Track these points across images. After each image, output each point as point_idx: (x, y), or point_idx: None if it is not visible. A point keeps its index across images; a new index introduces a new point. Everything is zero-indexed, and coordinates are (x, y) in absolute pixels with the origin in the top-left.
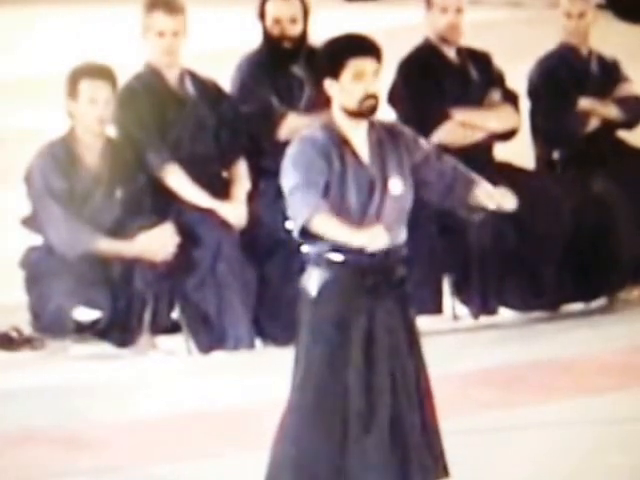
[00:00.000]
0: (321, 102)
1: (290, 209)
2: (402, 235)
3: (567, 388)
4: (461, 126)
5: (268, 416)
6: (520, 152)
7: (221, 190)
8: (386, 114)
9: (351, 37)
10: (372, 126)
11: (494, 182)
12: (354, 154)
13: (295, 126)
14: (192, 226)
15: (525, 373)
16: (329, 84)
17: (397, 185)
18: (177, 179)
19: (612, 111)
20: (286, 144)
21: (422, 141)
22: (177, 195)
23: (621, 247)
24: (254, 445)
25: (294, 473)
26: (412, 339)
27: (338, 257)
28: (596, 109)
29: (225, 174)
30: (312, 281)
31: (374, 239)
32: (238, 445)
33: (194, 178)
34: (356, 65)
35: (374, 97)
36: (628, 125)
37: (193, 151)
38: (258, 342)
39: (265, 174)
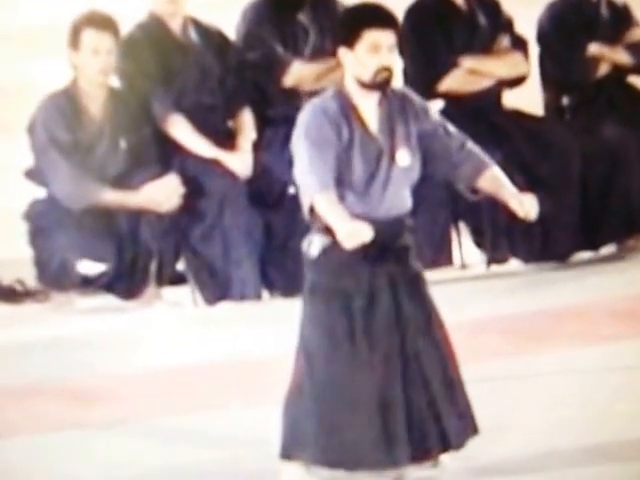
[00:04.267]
0: (326, 49)
1: (300, 185)
2: (407, 204)
3: (577, 336)
4: (469, 73)
5: (275, 367)
6: (529, 99)
7: (226, 140)
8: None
9: (369, 7)
10: (383, 95)
11: (504, 129)
12: (363, 124)
13: (300, 74)
14: (197, 177)
15: (535, 321)
16: (343, 53)
17: (405, 157)
18: (182, 129)
19: (622, 56)
20: (291, 92)
21: (433, 113)
22: (182, 145)
23: (631, 194)
24: (261, 397)
25: (318, 426)
26: (423, 307)
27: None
28: (606, 54)
29: (230, 123)
30: (313, 246)
31: (354, 235)
32: (244, 397)
33: (199, 128)
34: (372, 37)
35: (388, 70)
36: (639, 70)
37: (198, 101)
38: (265, 293)
39: (271, 123)
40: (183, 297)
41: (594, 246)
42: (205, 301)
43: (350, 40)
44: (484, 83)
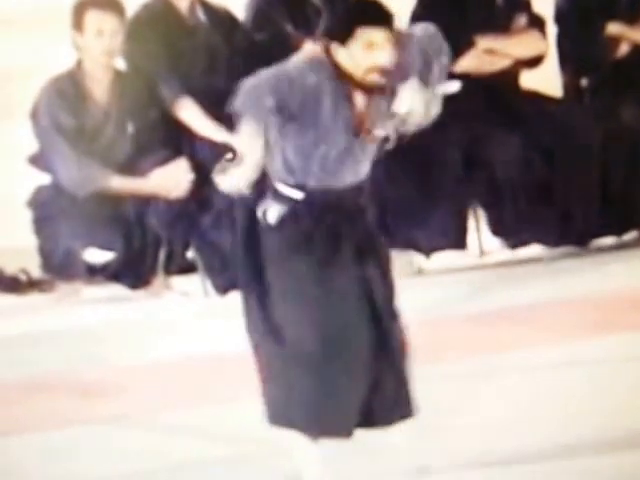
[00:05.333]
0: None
1: None
2: (366, 169)
3: (598, 325)
4: (486, 53)
5: None
6: (547, 79)
7: (236, 123)
8: None
9: (364, 4)
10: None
11: (521, 110)
12: (348, 95)
13: (312, 54)
14: (207, 161)
15: (554, 310)
16: (336, 49)
17: (379, 132)
18: (190, 112)
19: None
20: None
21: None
22: (191, 129)
23: None
24: None
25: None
26: (382, 268)
27: (296, 194)
28: (626, 34)
29: None
30: (270, 213)
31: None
32: (257, 390)
33: (208, 111)
34: (366, 35)
35: (381, 70)
36: None
37: (206, 83)
38: None
39: None
40: (193, 286)
41: (617, 232)
42: (216, 290)
43: (343, 38)
44: (501, 63)
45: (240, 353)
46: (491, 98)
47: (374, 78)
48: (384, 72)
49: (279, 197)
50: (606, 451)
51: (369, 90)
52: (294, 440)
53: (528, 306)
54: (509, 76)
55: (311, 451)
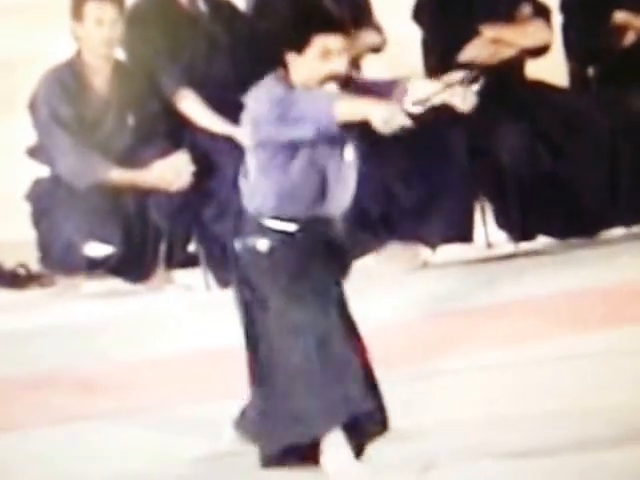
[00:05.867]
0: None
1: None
2: (347, 202)
3: (608, 317)
4: (491, 43)
5: None
6: (553, 69)
7: (238, 114)
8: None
9: (318, 11)
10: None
11: (527, 100)
12: None
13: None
14: (208, 153)
15: (563, 302)
16: (291, 58)
17: (350, 153)
18: (191, 103)
19: None
20: None
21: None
22: (192, 121)
23: None
24: None
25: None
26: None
27: (288, 226)
28: (633, 23)
29: (241, 97)
30: (259, 245)
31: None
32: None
33: (209, 102)
34: (322, 42)
35: (337, 78)
36: None
37: (207, 73)
38: None
39: None
40: (195, 280)
41: (626, 223)
42: (218, 284)
43: (299, 45)
44: (506, 52)
45: (243, 347)
46: (497, 88)
47: (332, 84)
48: (340, 80)
49: (267, 231)
50: (614, 446)
51: None
52: None
53: (536, 299)
54: (514, 65)
55: None
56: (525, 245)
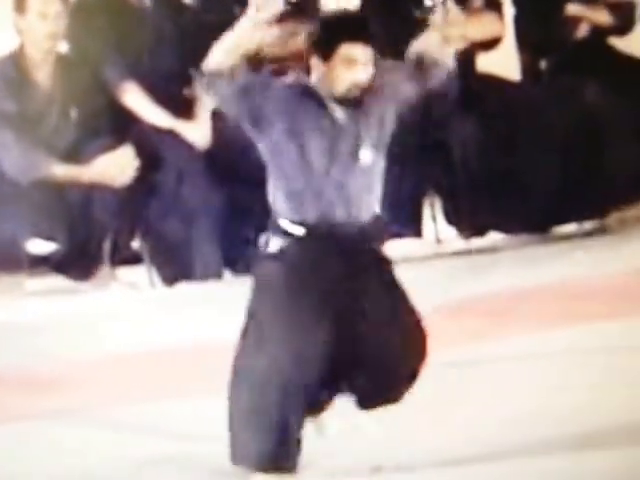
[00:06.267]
0: (288, 11)
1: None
2: (372, 208)
3: (560, 315)
4: (440, 34)
5: None
6: (505, 62)
7: (183, 109)
8: None
9: (348, 19)
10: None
11: (477, 94)
12: (328, 113)
13: (262, 37)
14: (153, 148)
15: (515, 300)
16: (316, 64)
17: (367, 155)
18: (136, 97)
19: (603, 16)
20: (252, 57)
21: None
22: (137, 115)
23: (615, 163)
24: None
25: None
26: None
27: (297, 229)
28: (585, 14)
29: (187, 91)
30: (272, 244)
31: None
32: (207, 384)
33: (154, 96)
34: (349, 51)
35: (360, 87)
36: (620, 31)
37: (152, 67)
38: (227, 272)
39: None
40: (139, 277)
41: (578, 219)
42: (163, 281)
43: (326, 54)
44: (456, 45)
45: (190, 346)
46: (447, 81)
47: (355, 93)
48: (363, 89)
49: (281, 232)
50: (570, 449)
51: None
52: None
53: (488, 297)
54: (465, 58)
55: None
56: (477, 242)
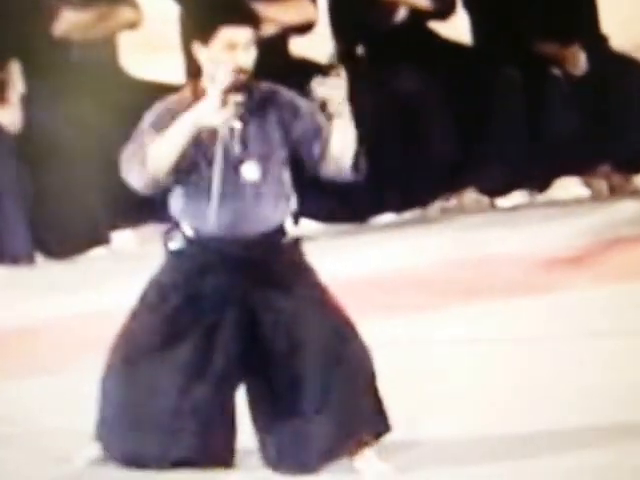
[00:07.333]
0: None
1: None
2: (277, 217)
3: (378, 307)
4: None
5: (52, 337)
6: (319, 47)
7: None
8: None
9: (226, 1)
10: (249, 95)
11: (290, 79)
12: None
13: (70, 22)
14: None
15: (334, 291)
16: (198, 50)
17: (252, 169)
18: None
19: (421, 0)
20: (61, 41)
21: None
22: None
23: (434, 150)
24: (39, 371)
25: None
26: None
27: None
28: None
29: None
30: (174, 241)
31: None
32: (22, 371)
33: None
34: (228, 34)
35: (244, 71)
36: (440, 15)
37: None
38: (39, 257)
39: (38, 74)
40: None
41: (396, 208)
42: None
43: (204, 36)
44: (267, 29)
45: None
46: (259, 65)
47: (238, 78)
48: (247, 72)
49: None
50: None
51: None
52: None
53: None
54: (277, 43)
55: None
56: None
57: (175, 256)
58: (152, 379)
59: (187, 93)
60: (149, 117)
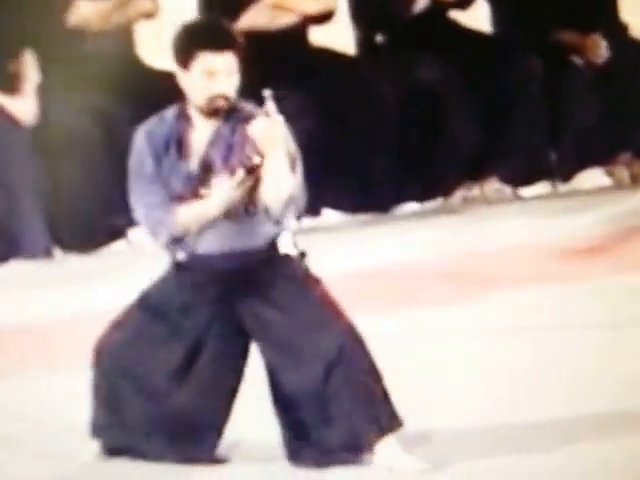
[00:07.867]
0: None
1: (149, 229)
2: (259, 234)
3: (403, 298)
4: (272, 9)
5: (74, 331)
6: (339, 36)
7: (8, 84)
8: None
9: (204, 27)
10: (227, 118)
11: (311, 69)
12: (188, 151)
13: (86, 12)
14: None
15: (356, 282)
16: (180, 74)
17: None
18: None
19: None
20: (76, 31)
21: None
22: None
23: (456, 140)
24: (60, 364)
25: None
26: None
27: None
28: None
29: (11, 66)
30: (179, 253)
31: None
32: (43, 365)
33: None
34: (207, 60)
35: (224, 97)
36: (460, 5)
37: None
38: (57, 250)
39: (55, 64)
40: None
41: (419, 198)
42: None
43: (184, 61)
44: (287, 19)
45: (22, 326)
46: (278, 56)
47: (218, 104)
48: (228, 99)
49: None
50: None
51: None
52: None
53: (326, 278)
54: (297, 32)
55: None
56: (313, 220)
57: (175, 267)
58: (138, 379)
59: (170, 115)
60: (143, 163)
